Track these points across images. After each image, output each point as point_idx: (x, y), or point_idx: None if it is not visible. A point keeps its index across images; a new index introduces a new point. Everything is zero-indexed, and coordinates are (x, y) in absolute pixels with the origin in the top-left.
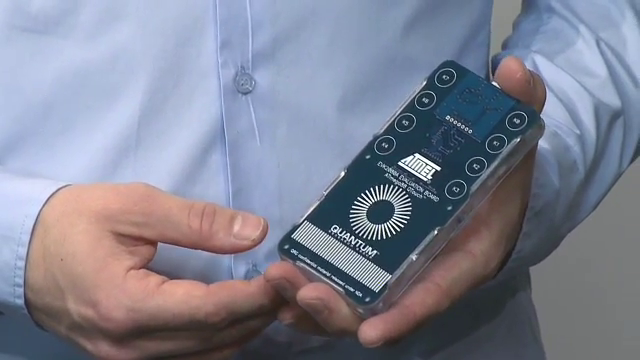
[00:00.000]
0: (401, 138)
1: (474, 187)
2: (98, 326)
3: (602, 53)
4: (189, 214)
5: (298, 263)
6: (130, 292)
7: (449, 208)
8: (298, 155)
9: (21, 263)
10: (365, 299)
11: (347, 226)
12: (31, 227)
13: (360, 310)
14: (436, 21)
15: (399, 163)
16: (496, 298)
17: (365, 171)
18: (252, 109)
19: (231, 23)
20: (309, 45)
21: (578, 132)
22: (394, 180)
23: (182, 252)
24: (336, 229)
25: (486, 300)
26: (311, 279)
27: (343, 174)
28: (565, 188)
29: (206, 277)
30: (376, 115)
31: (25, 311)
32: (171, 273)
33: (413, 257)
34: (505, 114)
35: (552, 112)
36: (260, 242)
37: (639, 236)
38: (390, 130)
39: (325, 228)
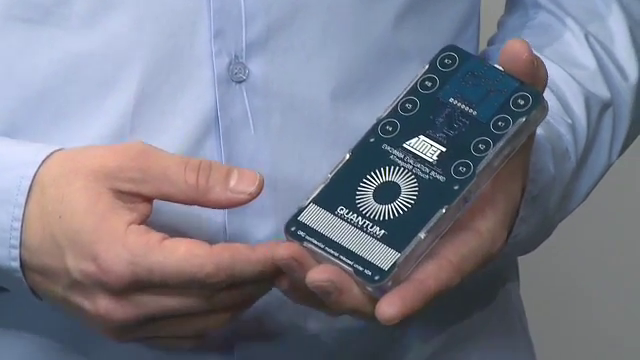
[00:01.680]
0: (405, 121)
1: (480, 166)
2: (98, 280)
3: (591, 46)
4: (185, 169)
5: (306, 244)
6: (131, 247)
7: (456, 187)
8: (291, 144)
9: (17, 224)
10: (375, 277)
11: (354, 207)
12: (27, 188)
13: (369, 289)
14: (427, 13)
15: (404, 145)
16: (488, 287)
17: (370, 153)
18: (246, 98)
19: (225, 13)
20: (302, 34)
21: (570, 121)
22: (399, 162)
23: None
24: (342, 210)
25: (478, 289)
26: (319, 260)
27: (348, 156)
28: (559, 175)
29: None
30: (369, 105)
31: (20, 274)
32: None
33: (422, 235)
34: (509, 95)
35: None
36: (256, 196)
37: (624, 231)
38: (393, 113)
39: (331, 209)
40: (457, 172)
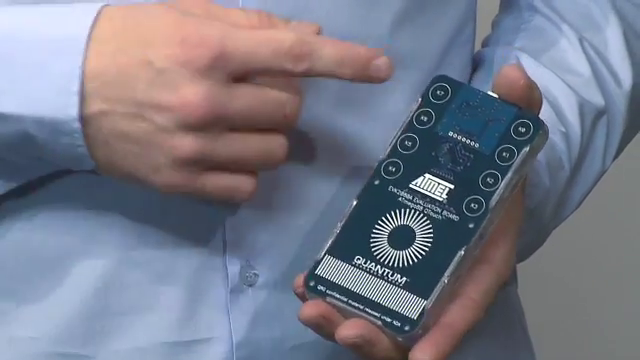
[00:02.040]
0: (407, 160)
1: (493, 202)
2: (185, 60)
3: (585, 52)
4: (247, 13)
5: (328, 299)
6: (219, 24)
7: (471, 226)
8: (291, 151)
9: (77, 72)
10: (404, 328)
11: (370, 255)
12: (91, 23)
13: (400, 339)
14: (423, 18)
15: (410, 185)
16: None
17: (377, 197)
18: None
19: None
20: None
21: (563, 130)
22: (409, 203)
23: (174, 246)
24: (360, 260)
25: None
26: (344, 314)
27: (355, 203)
28: (553, 186)
29: (200, 274)
30: (369, 112)
31: (78, 124)
32: (164, 262)
33: (445, 280)
34: (509, 123)
35: None
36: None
37: (622, 231)
38: (394, 152)
39: (348, 260)
40: (469, 209)
